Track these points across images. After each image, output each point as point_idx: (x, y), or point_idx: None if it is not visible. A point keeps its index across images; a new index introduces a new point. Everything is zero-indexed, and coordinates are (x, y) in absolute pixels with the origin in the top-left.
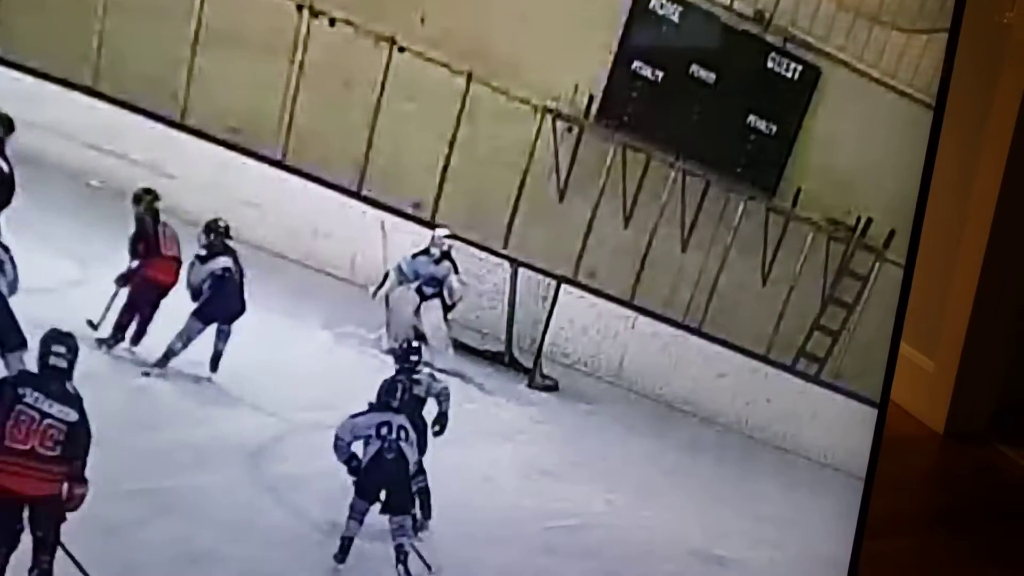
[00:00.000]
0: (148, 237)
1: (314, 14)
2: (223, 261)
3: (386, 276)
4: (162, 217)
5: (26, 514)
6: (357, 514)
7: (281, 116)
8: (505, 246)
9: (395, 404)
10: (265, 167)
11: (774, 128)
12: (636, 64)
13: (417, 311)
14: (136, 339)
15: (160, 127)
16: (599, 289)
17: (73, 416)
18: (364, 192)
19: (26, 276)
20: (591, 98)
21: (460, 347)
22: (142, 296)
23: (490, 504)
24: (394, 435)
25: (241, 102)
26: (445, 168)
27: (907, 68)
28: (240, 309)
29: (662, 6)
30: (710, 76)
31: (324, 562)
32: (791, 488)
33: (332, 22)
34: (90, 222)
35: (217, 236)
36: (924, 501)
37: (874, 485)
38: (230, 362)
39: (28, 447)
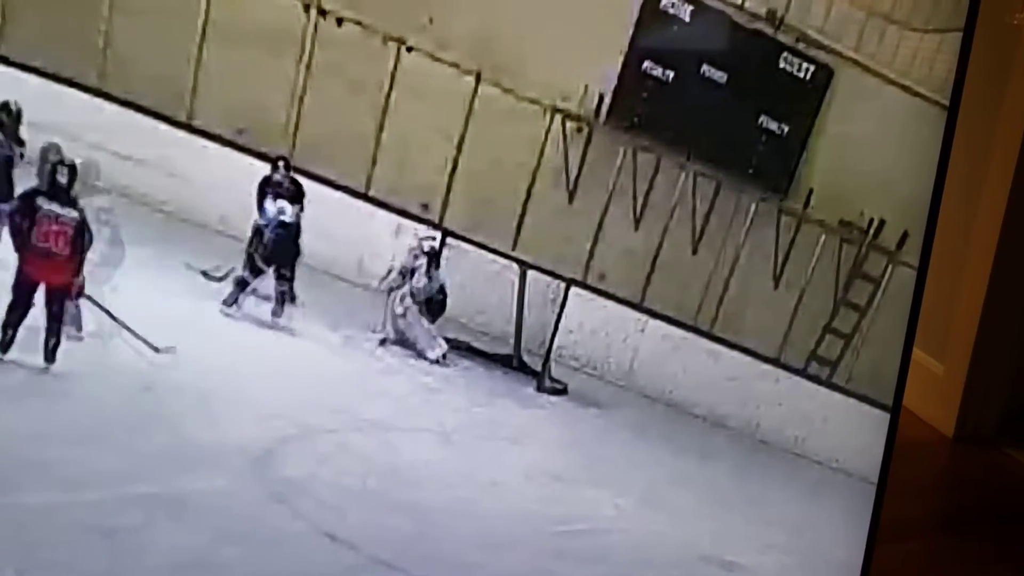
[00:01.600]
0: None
1: (322, 14)
2: (286, 207)
3: (390, 271)
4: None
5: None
6: None
7: (288, 116)
8: (514, 248)
9: None
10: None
11: (786, 129)
12: (647, 64)
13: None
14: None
15: (166, 127)
16: (609, 292)
17: (77, 215)
18: (371, 193)
19: None
20: (601, 98)
21: (469, 350)
22: None
23: (498, 508)
24: None
25: (248, 102)
26: (453, 169)
27: (920, 68)
28: (297, 252)
29: (673, 6)
30: (721, 76)
31: (328, 566)
32: (802, 492)
33: (340, 22)
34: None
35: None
36: (933, 505)
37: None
38: (234, 365)
39: (47, 245)
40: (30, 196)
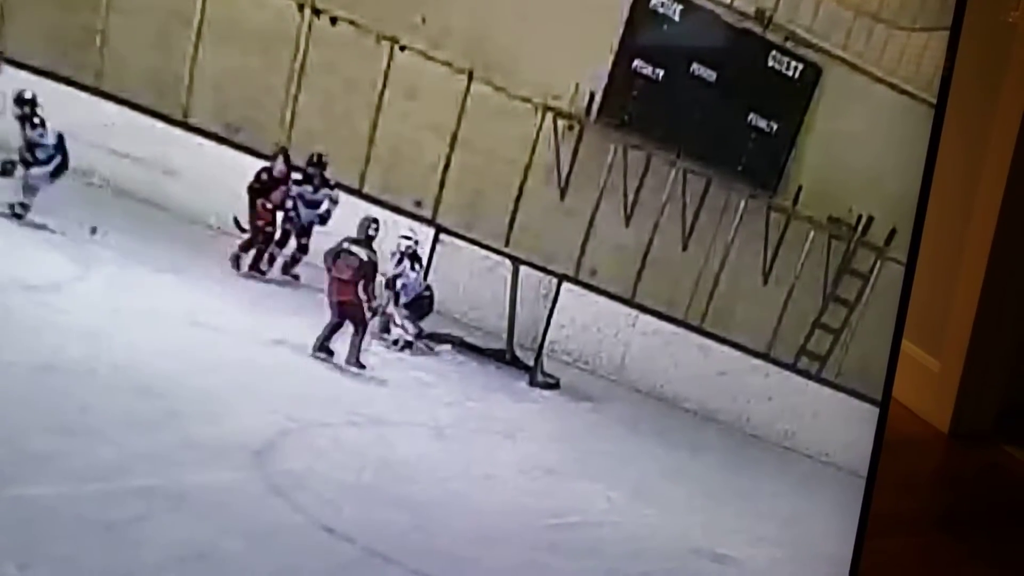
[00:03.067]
0: None
1: (316, 13)
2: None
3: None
4: None
5: None
6: None
7: (282, 115)
8: (506, 244)
9: None
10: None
11: (775, 126)
12: (637, 63)
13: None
14: None
15: (161, 125)
16: (600, 287)
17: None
18: (365, 190)
19: (27, 274)
20: (592, 97)
21: (462, 345)
22: None
23: (491, 501)
24: None
25: (242, 101)
26: (446, 166)
27: (908, 66)
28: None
29: (663, 5)
30: (711, 75)
31: (328, 559)
32: (793, 486)
33: (334, 21)
34: (93, 219)
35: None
36: (929, 501)
37: (879, 485)
38: (234, 360)
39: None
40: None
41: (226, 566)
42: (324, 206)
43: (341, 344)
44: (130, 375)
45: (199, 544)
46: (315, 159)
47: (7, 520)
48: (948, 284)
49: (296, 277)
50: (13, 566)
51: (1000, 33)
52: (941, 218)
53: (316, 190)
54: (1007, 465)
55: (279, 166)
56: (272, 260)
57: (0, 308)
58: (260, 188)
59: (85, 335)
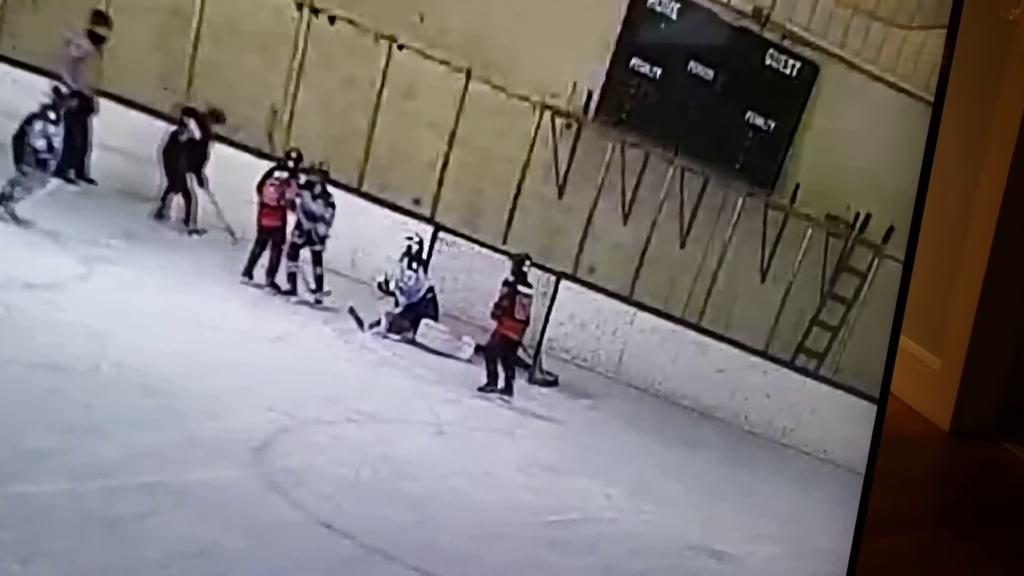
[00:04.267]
0: None
1: (314, 12)
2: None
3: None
4: None
5: None
6: None
7: (281, 114)
8: (505, 242)
9: None
10: (266, 165)
11: (772, 124)
12: (634, 61)
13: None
14: None
15: (160, 124)
16: (598, 285)
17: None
18: (363, 189)
19: (30, 272)
20: (590, 95)
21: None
22: None
23: (490, 499)
24: None
25: (241, 100)
26: (444, 165)
27: (905, 64)
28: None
29: (660, 3)
30: (708, 73)
31: (326, 556)
32: (791, 483)
33: (332, 20)
34: (93, 218)
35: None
36: (929, 499)
37: (879, 482)
38: (234, 358)
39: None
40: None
41: (226, 563)
42: (322, 229)
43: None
44: (131, 373)
45: (199, 541)
46: (317, 167)
47: (9, 517)
48: (949, 282)
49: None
50: (15, 562)
51: (1000, 30)
52: (942, 216)
53: (315, 199)
54: (1008, 462)
55: (192, 127)
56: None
57: (2, 306)
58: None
59: (87, 333)
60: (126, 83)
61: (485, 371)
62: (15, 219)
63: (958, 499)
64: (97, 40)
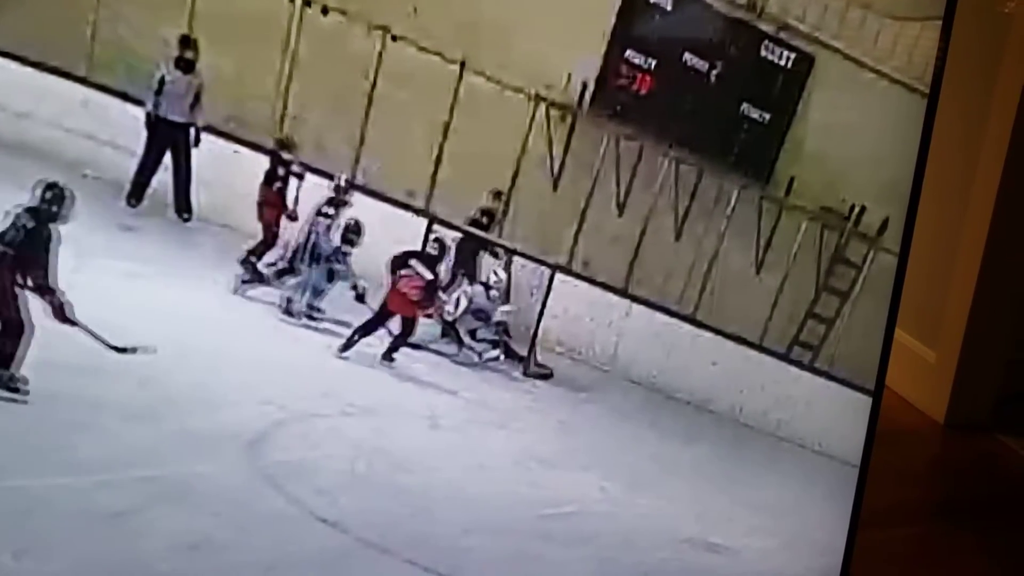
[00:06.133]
0: None
1: (307, 3)
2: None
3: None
4: None
5: None
6: None
7: (274, 105)
8: (499, 235)
9: None
10: (258, 157)
11: (767, 117)
12: (629, 53)
13: None
14: None
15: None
16: (593, 278)
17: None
18: (357, 181)
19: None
20: (584, 87)
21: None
22: None
23: (484, 492)
24: None
25: (234, 92)
26: (438, 157)
27: (901, 56)
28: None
29: None
30: (703, 65)
31: (321, 550)
32: (786, 476)
33: (325, 11)
34: (86, 212)
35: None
36: (925, 491)
37: (875, 476)
38: (228, 351)
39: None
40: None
41: (221, 557)
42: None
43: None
44: (126, 366)
45: (194, 535)
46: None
47: (2, 510)
48: (944, 274)
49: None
50: (8, 556)
51: (997, 23)
52: (937, 208)
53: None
54: (1003, 455)
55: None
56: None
57: None
58: None
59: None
60: (117, 75)
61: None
62: None
63: (953, 492)
64: (187, 67)
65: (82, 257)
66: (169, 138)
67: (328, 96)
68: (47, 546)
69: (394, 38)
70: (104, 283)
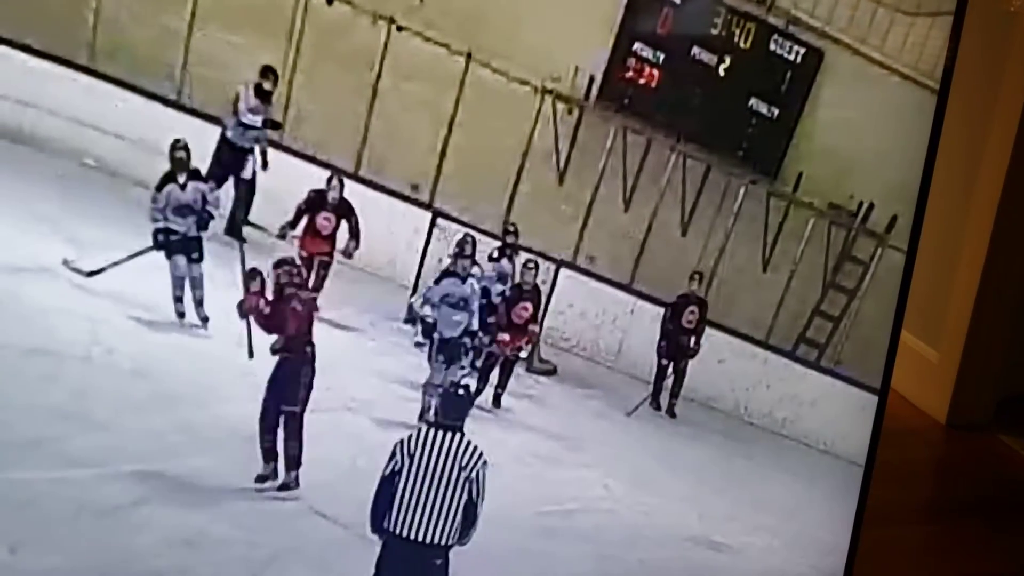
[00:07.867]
0: None
1: None
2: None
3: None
4: None
5: None
6: None
7: (278, 96)
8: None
9: None
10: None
11: (776, 112)
12: (637, 46)
13: None
14: None
15: (157, 106)
16: (598, 274)
17: None
18: (361, 173)
19: (21, 255)
20: (591, 80)
21: None
22: None
23: (488, 487)
24: None
25: (239, 82)
26: (444, 149)
27: (911, 52)
28: None
29: None
30: (712, 59)
31: (320, 544)
32: (790, 475)
33: (330, 1)
34: (85, 201)
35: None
36: (927, 491)
37: (878, 474)
38: (227, 346)
39: None
40: None
41: (219, 551)
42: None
43: None
44: (124, 360)
45: (191, 529)
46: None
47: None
48: (947, 275)
49: None
50: (5, 549)
51: (1003, 22)
52: (940, 208)
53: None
54: (1004, 455)
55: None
56: None
57: None
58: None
59: (78, 319)
60: (118, 62)
61: None
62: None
63: (954, 491)
64: (265, 96)
65: (79, 243)
66: (234, 161)
67: (332, 87)
68: (42, 540)
69: (400, 29)
70: (102, 275)
